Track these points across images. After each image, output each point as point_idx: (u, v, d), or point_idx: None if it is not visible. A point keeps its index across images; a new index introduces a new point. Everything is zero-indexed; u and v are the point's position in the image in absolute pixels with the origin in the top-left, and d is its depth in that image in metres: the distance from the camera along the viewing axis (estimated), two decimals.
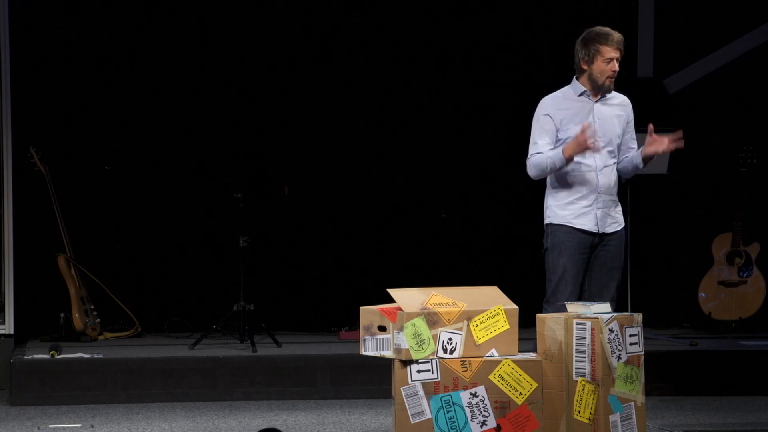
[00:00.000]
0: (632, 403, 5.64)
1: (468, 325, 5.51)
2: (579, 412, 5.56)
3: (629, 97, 9.60)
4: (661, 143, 6.56)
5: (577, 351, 5.57)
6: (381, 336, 5.54)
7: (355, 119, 9.50)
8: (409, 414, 5.43)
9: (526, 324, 5.98)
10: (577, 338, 5.57)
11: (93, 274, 9.02)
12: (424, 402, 5.43)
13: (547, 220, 6.68)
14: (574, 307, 5.75)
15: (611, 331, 5.56)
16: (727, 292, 9.10)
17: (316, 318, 9.40)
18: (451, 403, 5.43)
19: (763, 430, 6.80)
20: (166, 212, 9.32)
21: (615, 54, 6.54)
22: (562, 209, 6.62)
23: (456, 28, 9.54)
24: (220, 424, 7.06)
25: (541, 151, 6.58)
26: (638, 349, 5.69)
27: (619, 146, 6.70)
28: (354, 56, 9.45)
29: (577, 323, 5.58)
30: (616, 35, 6.57)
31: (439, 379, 5.44)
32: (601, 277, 6.60)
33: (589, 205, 6.58)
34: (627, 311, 6.94)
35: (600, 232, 6.58)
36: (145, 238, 9.30)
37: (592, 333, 5.54)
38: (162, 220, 9.32)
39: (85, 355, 7.99)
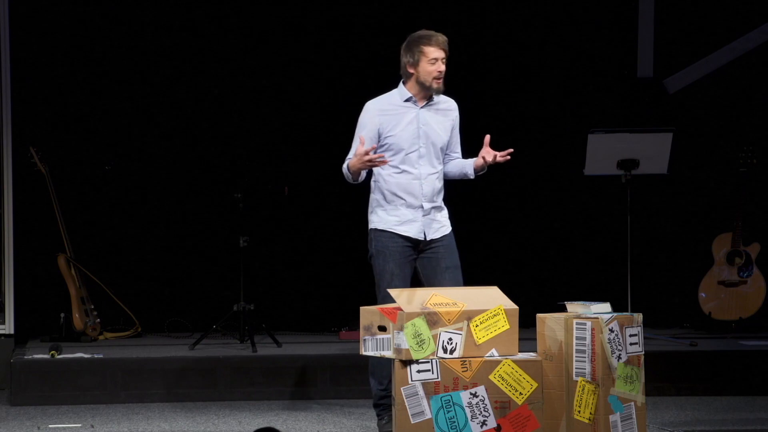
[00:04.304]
0: (632, 403, 5.64)
1: (468, 325, 5.51)
2: (579, 412, 5.56)
3: (626, 98, 9.66)
4: (489, 154, 6.46)
5: (577, 351, 5.57)
6: (381, 336, 5.54)
7: (355, 119, 9.48)
8: (409, 414, 5.43)
9: (527, 324, 5.98)
10: (577, 338, 5.57)
11: (93, 274, 9.02)
12: (424, 402, 5.43)
13: (371, 225, 6.63)
14: (574, 307, 5.74)
15: (611, 331, 5.56)
16: (727, 292, 9.10)
17: (316, 318, 9.40)
18: (451, 403, 5.43)
19: (763, 429, 6.80)
20: (166, 212, 9.32)
21: (439, 54, 6.44)
22: (389, 215, 6.55)
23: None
24: (220, 424, 7.06)
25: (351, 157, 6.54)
26: (638, 349, 5.69)
27: (443, 151, 6.59)
28: (354, 56, 9.45)
29: (577, 323, 5.58)
30: (440, 36, 6.47)
31: (439, 379, 5.44)
32: (437, 278, 6.49)
33: (414, 213, 6.51)
34: (627, 311, 6.94)
35: (426, 239, 6.51)
36: (145, 238, 9.30)
37: (592, 333, 5.54)
38: (162, 220, 9.32)
39: (85, 355, 7.99)
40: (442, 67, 6.45)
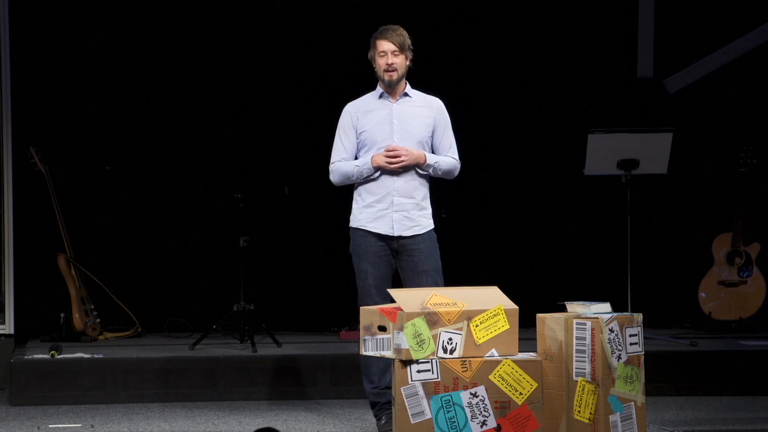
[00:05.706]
0: (632, 403, 5.64)
1: (468, 325, 5.51)
2: (579, 412, 5.56)
3: (626, 98, 9.65)
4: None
5: (577, 351, 5.57)
6: (381, 336, 5.54)
7: None
8: (409, 414, 5.43)
9: (527, 324, 5.98)
10: (577, 338, 5.57)
11: (93, 274, 9.02)
12: (424, 402, 5.43)
13: (350, 223, 6.64)
14: (574, 307, 5.75)
15: (611, 331, 5.56)
16: (727, 292, 9.10)
17: (316, 318, 9.40)
18: (451, 403, 5.43)
19: (763, 429, 6.80)
20: (166, 212, 9.32)
21: (388, 47, 6.47)
22: (361, 212, 6.57)
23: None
24: (220, 424, 7.06)
25: (345, 157, 6.58)
26: (638, 349, 5.69)
27: (424, 146, 6.55)
28: (354, 55, 9.44)
29: (577, 323, 5.58)
30: (393, 30, 6.50)
31: (439, 379, 5.44)
32: (415, 281, 6.49)
33: (385, 209, 6.51)
34: (627, 311, 6.94)
35: (396, 235, 6.50)
36: (145, 238, 9.30)
37: (592, 333, 5.54)
38: (162, 219, 9.32)
39: (85, 355, 7.99)
40: (391, 60, 6.47)
